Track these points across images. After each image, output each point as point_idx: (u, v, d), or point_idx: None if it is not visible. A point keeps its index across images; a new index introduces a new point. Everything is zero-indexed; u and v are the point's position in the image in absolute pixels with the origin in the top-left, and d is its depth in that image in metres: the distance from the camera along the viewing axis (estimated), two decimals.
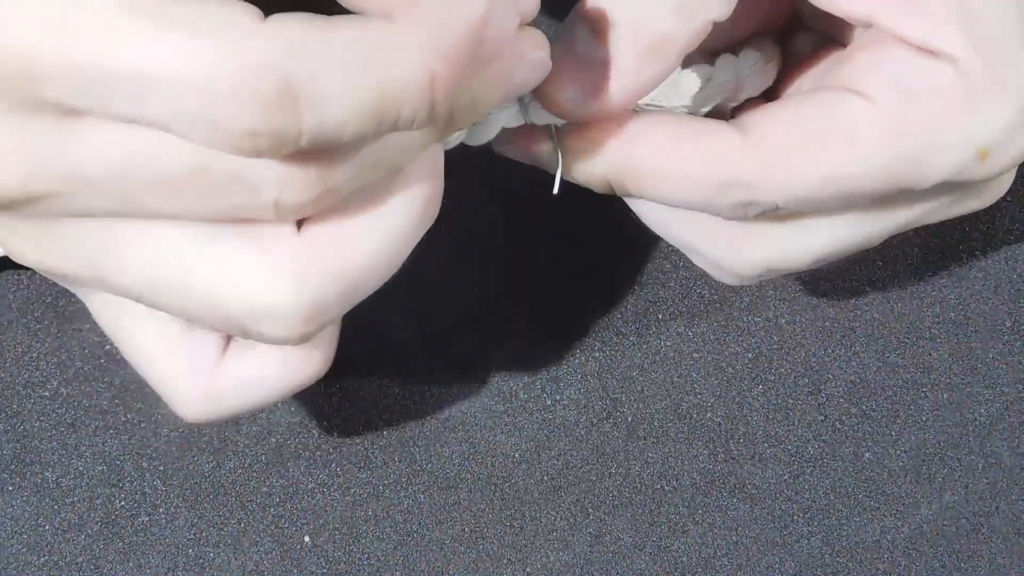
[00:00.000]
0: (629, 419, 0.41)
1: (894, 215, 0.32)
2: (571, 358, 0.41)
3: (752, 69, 0.33)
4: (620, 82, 0.31)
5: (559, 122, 0.32)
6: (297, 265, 0.28)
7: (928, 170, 0.30)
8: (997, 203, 0.43)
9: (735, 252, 0.33)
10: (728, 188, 0.30)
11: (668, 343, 0.41)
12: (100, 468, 0.40)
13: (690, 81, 0.33)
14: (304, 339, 0.29)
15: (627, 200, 0.34)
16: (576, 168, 0.32)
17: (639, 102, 0.32)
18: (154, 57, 0.25)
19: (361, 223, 0.29)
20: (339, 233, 0.29)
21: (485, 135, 0.32)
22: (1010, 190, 0.43)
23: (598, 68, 0.30)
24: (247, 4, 0.26)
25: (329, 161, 0.27)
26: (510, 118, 0.32)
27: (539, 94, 0.31)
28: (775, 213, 0.31)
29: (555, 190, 0.32)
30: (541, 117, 0.32)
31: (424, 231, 0.30)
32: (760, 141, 0.30)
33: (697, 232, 0.33)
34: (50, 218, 0.29)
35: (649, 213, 0.34)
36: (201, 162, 0.27)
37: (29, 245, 0.30)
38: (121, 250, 0.29)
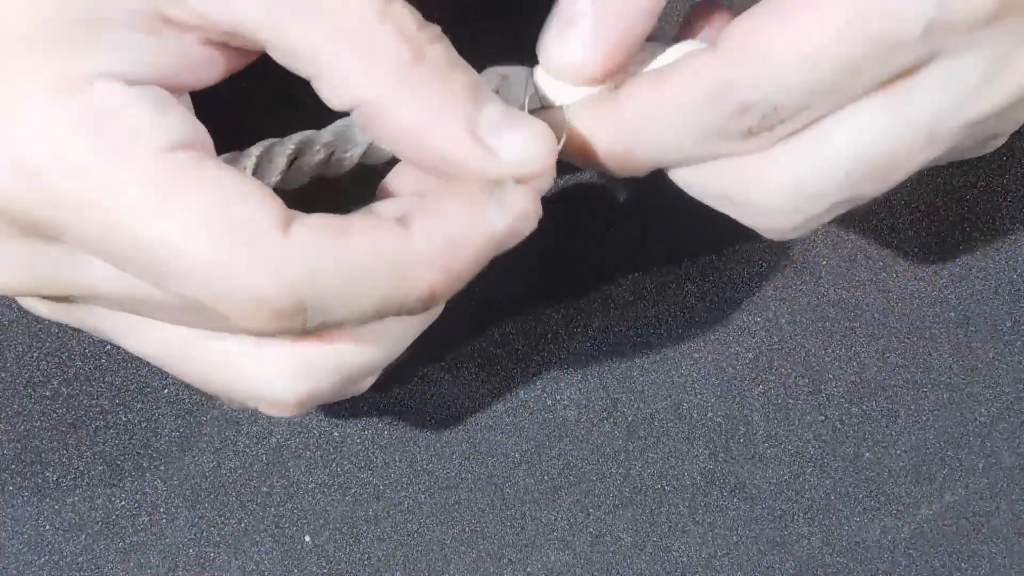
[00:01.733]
0: (629, 419, 0.41)
1: (910, 102, 0.30)
2: (571, 358, 0.41)
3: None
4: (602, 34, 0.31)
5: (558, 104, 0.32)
6: (295, 362, 0.30)
7: (902, 9, 0.29)
8: (997, 203, 0.43)
9: (764, 184, 0.32)
10: (715, 100, 0.30)
11: (668, 343, 0.41)
12: (100, 468, 0.40)
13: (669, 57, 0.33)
14: (298, 414, 0.32)
15: (668, 173, 0.33)
16: (581, 155, 0.32)
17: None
18: (180, 247, 0.27)
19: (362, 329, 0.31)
20: (339, 334, 0.31)
21: None
22: (1010, 190, 0.43)
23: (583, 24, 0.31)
24: (274, 200, 0.28)
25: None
26: None
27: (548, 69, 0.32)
28: (781, 120, 0.30)
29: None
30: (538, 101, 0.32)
31: (427, 325, 0.32)
32: (725, 43, 0.30)
33: (726, 177, 0.32)
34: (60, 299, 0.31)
35: (683, 178, 0.33)
36: (198, 304, 0.28)
37: (43, 310, 0.32)
38: (128, 331, 0.31)
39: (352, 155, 0.31)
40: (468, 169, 0.29)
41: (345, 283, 0.28)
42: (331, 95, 0.29)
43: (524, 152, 0.30)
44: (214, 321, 0.29)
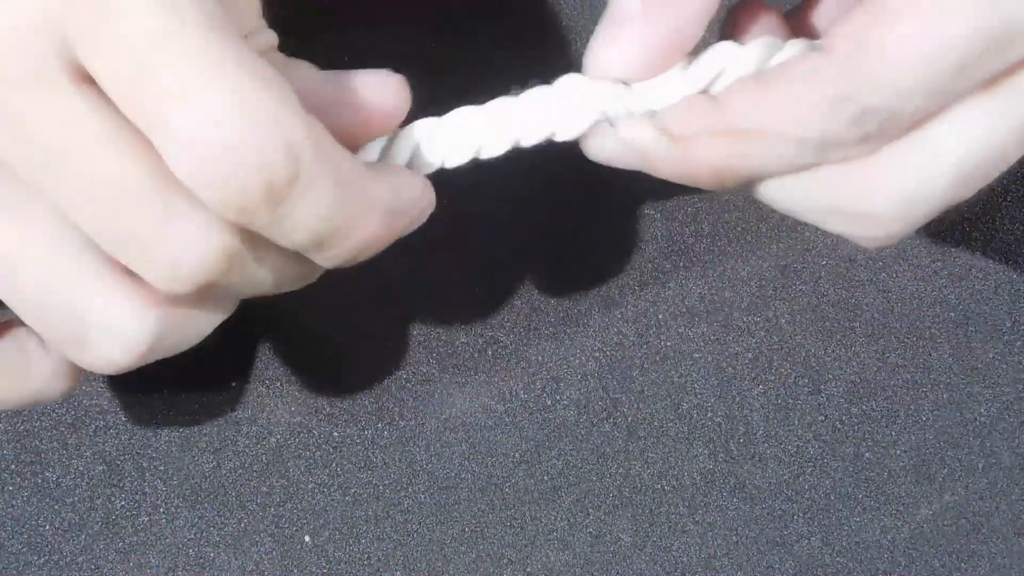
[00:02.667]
0: (629, 419, 0.41)
1: (1017, 98, 0.29)
2: (571, 358, 0.41)
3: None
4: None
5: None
6: (156, 312, 0.30)
7: (1017, 2, 0.28)
8: (997, 203, 0.43)
9: (872, 191, 0.31)
10: (835, 107, 0.29)
11: (668, 343, 0.41)
12: (100, 468, 0.40)
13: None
14: (127, 367, 0.30)
15: (752, 191, 0.32)
16: (671, 165, 0.32)
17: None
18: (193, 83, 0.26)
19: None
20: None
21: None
22: (1010, 190, 0.43)
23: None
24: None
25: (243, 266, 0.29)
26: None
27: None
28: (895, 124, 0.29)
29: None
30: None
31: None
32: (840, 45, 0.29)
33: (830, 189, 0.31)
34: None
35: (774, 191, 0.32)
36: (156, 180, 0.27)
37: None
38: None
39: None
40: None
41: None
42: None
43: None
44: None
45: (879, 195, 0.31)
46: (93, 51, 0.26)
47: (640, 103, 0.32)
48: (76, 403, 0.40)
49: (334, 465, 0.40)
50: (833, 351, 0.41)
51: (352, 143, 0.31)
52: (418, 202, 0.31)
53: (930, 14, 0.28)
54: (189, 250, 0.28)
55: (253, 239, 0.29)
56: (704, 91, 0.32)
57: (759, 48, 0.32)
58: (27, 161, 0.27)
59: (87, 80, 0.27)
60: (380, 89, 0.31)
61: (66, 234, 0.29)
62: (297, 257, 0.30)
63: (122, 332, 0.29)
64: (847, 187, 0.31)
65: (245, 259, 0.29)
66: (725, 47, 0.32)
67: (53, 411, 0.40)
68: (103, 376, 0.40)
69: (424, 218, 0.32)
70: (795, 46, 0.32)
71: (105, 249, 0.28)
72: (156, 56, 0.26)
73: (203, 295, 0.30)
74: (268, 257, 0.30)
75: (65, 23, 0.26)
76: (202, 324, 0.31)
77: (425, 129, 0.32)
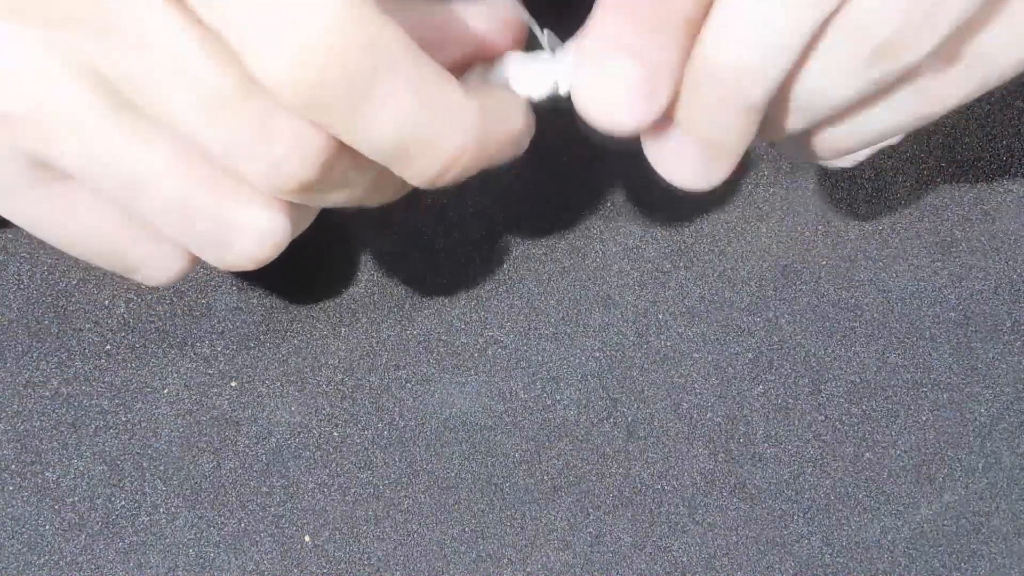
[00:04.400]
0: (629, 419, 0.41)
1: None
2: (571, 358, 0.41)
3: None
4: None
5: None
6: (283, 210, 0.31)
7: None
8: (997, 203, 0.43)
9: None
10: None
11: (668, 343, 0.41)
12: (100, 468, 0.40)
13: None
14: (265, 262, 0.32)
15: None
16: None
17: None
18: None
19: None
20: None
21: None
22: (1010, 190, 0.43)
23: None
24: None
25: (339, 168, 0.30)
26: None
27: None
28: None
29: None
30: None
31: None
32: None
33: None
34: None
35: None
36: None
37: None
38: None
39: None
40: None
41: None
42: None
43: None
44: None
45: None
46: None
47: None
48: (76, 403, 0.40)
49: (334, 465, 0.40)
50: (833, 351, 0.41)
51: (457, 70, 0.32)
52: (513, 124, 0.31)
53: None
54: (287, 154, 0.29)
55: (344, 148, 0.29)
56: None
57: None
58: (137, 79, 0.29)
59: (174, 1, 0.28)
60: (488, 15, 0.32)
61: (189, 147, 0.30)
62: (386, 172, 0.30)
63: (261, 229, 0.31)
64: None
65: (337, 166, 0.30)
66: None
67: (53, 411, 0.40)
68: (103, 376, 0.40)
69: (521, 145, 0.32)
70: None
71: (217, 158, 0.30)
72: None
73: (306, 196, 0.30)
74: (359, 166, 0.30)
75: None
76: (305, 223, 0.33)
77: (517, 60, 0.32)
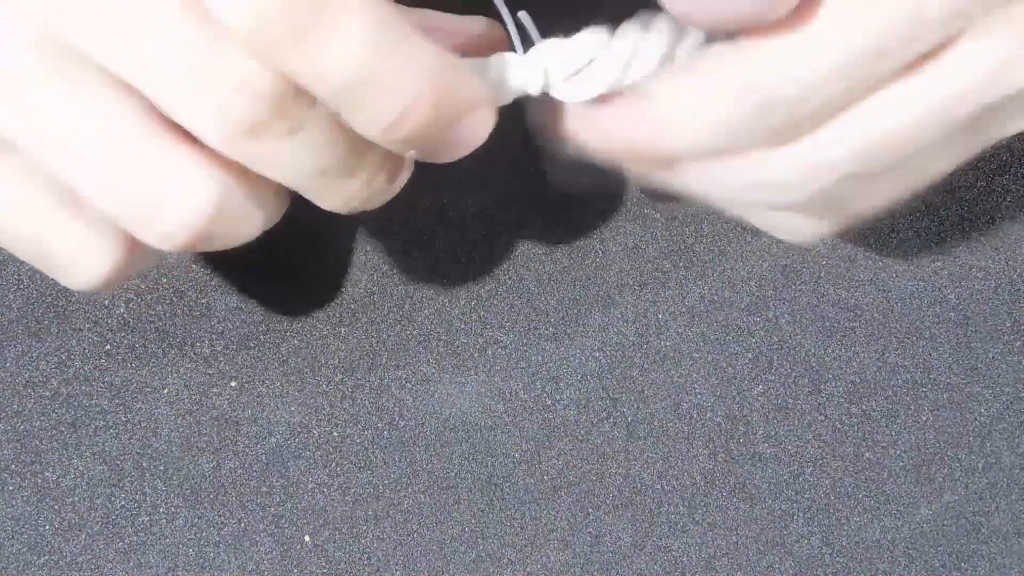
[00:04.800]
0: (629, 419, 0.41)
1: (930, 84, 0.30)
2: (571, 358, 0.41)
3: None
4: None
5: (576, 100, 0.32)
6: (220, 172, 0.30)
7: None
8: (997, 203, 0.43)
9: (774, 156, 0.31)
10: (739, 96, 0.29)
11: (668, 343, 0.41)
12: (100, 468, 0.40)
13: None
14: (192, 239, 0.30)
15: (671, 178, 0.32)
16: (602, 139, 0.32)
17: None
18: None
19: None
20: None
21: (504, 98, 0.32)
22: (1010, 190, 0.43)
23: None
24: None
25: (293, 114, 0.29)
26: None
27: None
28: (803, 116, 0.30)
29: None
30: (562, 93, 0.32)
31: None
32: (749, 36, 0.29)
33: (741, 170, 0.31)
34: None
35: (695, 182, 0.32)
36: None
37: None
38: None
39: None
40: None
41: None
42: None
43: None
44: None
45: (780, 160, 0.31)
46: None
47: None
48: (76, 403, 0.40)
49: (334, 465, 0.40)
50: (833, 351, 0.41)
51: None
52: (476, 93, 0.30)
53: (838, 6, 0.28)
54: (235, 93, 0.28)
55: (297, 93, 0.28)
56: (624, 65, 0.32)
57: (670, 27, 0.32)
58: (76, 26, 0.28)
59: None
60: (465, 25, 0.32)
61: (126, 100, 0.29)
62: (342, 132, 0.30)
63: (191, 192, 0.29)
64: (750, 164, 0.31)
65: (289, 111, 0.29)
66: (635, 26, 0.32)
67: (53, 411, 0.40)
68: (103, 376, 0.40)
69: (484, 126, 0.31)
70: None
71: (162, 107, 0.29)
72: None
73: (257, 147, 0.29)
74: (314, 117, 0.29)
75: None
76: (254, 214, 0.31)
77: (511, 59, 0.32)
